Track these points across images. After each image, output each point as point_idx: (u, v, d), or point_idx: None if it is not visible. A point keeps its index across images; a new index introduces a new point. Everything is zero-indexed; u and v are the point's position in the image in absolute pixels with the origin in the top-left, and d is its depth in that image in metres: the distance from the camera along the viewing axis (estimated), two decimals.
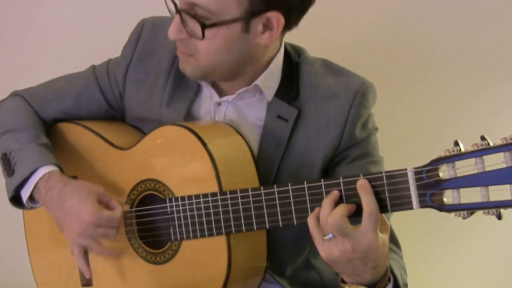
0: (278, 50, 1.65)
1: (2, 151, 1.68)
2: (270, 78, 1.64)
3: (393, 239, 1.60)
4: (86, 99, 1.79)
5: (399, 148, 2.11)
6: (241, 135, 1.61)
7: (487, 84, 2.17)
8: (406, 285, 1.53)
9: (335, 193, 1.40)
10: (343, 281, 1.45)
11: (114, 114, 1.82)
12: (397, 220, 1.58)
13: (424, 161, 1.36)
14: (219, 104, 1.68)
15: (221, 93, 1.68)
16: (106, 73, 1.79)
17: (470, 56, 2.17)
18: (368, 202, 1.35)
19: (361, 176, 1.39)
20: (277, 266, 1.69)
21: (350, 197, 1.39)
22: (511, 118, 2.16)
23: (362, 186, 1.37)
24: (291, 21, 1.58)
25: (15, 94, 1.83)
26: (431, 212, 1.37)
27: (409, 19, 2.19)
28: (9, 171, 1.65)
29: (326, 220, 1.36)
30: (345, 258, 1.36)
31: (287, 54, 1.68)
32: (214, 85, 1.68)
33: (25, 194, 1.65)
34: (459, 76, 2.18)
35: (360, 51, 2.17)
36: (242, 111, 1.67)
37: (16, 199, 1.68)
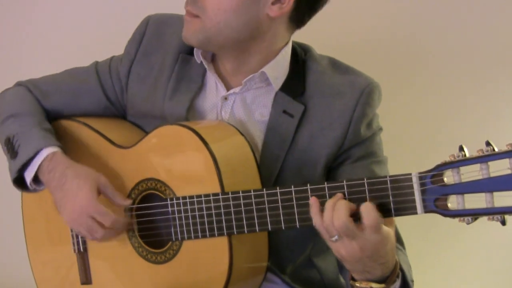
0: (287, 43, 1.65)
1: (6, 135, 1.69)
2: (277, 68, 1.64)
3: (398, 238, 1.60)
4: (86, 94, 1.79)
5: (402, 149, 2.10)
6: (243, 135, 1.60)
7: (492, 86, 2.17)
8: (413, 281, 1.53)
9: (339, 195, 1.39)
10: (353, 279, 1.45)
11: (113, 111, 1.81)
12: (398, 220, 1.57)
13: (427, 162, 1.35)
14: (225, 98, 1.67)
15: (228, 87, 1.67)
16: (108, 69, 1.79)
17: (476, 58, 2.17)
18: (369, 217, 1.34)
19: (365, 179, 1.38)
20: (278, 264, 1.69)
21: (354, 201, 1.38)
22: None
23: (366, 206, 1.35)
24: (299, 11, 1.58)
25: (18, 84, 1.84)
26: (433, 214, 1.37)
27: (414, 21, 2.19)
28: (13, 154, 1.65)
29: (331, 222, 1.36)
30: (353, 258, 1.37)
31: (293, 51, 1.68)
32: (221, 78, 1.67)
33: (29, 175, 1.65)
34: (463, 78, 2.18)
35: (364, 53, 2.16)
36: (248, 106, 1.66)
37: (19, 182, 1.68)
